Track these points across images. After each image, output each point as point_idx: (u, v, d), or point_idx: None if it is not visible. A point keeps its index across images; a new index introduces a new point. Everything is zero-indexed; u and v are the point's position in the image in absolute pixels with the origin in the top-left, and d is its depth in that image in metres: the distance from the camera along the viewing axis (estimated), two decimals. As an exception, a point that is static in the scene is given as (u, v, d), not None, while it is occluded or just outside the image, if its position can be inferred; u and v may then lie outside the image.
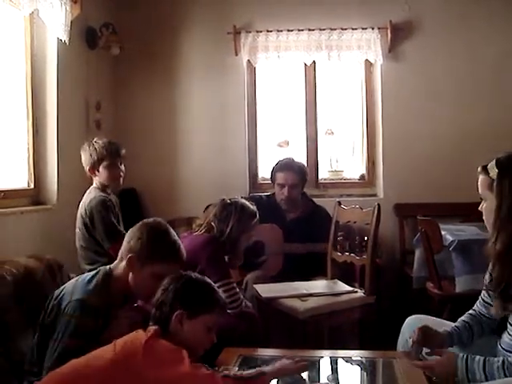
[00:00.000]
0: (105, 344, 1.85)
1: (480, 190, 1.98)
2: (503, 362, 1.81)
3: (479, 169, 1.97)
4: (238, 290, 2.68)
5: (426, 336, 2.05)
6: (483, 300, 2.13)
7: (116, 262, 2.11)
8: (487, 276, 2.07)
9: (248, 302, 3.11)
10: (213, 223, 2.75)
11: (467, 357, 1.86)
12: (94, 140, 3.11)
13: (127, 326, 1.97)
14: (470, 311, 2.18)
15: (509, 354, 1.91)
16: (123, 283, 2.06)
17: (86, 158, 3.09)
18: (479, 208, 2.02)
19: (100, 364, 1.66)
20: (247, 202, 2.83)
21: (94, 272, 2.08)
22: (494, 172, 1.89)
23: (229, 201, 2.80)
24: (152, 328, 1.77)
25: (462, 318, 2.17)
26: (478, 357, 1.85)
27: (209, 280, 1.99)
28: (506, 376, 1.78)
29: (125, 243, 2.10)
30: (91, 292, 1.97)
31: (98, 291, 1.98)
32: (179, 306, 1.81)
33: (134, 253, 2.03)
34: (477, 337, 2.13)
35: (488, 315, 2.11)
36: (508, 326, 1.95)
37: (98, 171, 3.07)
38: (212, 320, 1.86)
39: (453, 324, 2.17)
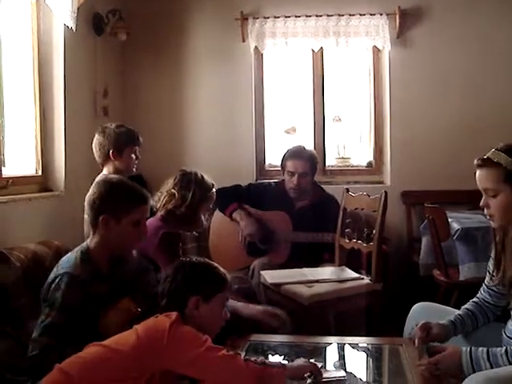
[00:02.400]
0: (103, 331, 1.91)
1: (489, 185, 1.86)
2: (506, 350, 1.81)
3: (480, 162, 1.88)
4: None
5: (428, 332, 2.05)
6: (487, 287, 2.12)
7: (90, 237, 2.13)
8: (490, 263, 2.07)
9: (255, 288, 3.15)
10: (173, 190, 2.74)
11: (471, 349, 1.86)
12: (115, 125, 3.11)
13: (124, 316, 2.00)
14: (474, 299, 2.18)
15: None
16: (104, 249, 2.09)
17: (109, 141, 3.05)
18: (482, 204, 1.91)
19: (124, 349, 1.68)
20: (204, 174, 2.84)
21: (71, 251, 2.11)
22: (505, 160, 1.80)
23: (188, 169, 2.81)
24: (173, 313, 1.78)
25: (466, 306, 2.17)
26: (481, 348, 1.85)
27: (207, 260, 2.04)
28: (510, 363, 1.78)
29: (88, 211, 2.12)
30: (73, 264, 2.01)
31: (79, 263, 2.02)
32: (193, 293, 1.84)
33: (105, 213, 2.05)
34: (481, 324, 2.13)
35: (492, 302, 2.11)
36: None
37: (121, 156, 3.07)
38: (225, 298, 1.92)
39: (457, 312, 2.17)
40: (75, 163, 3.45)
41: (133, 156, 3.12)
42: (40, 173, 3.35)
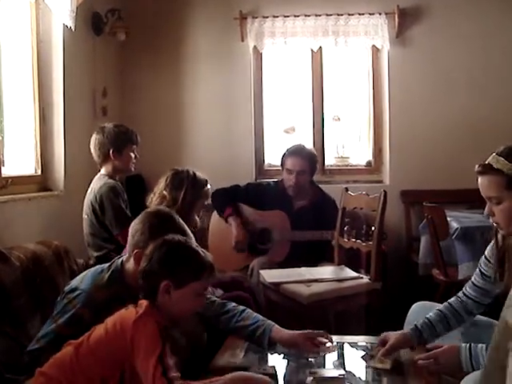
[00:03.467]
0: None
1: (492, 193, 1.79)
2: None
3: (480, 169, 1.80)
4: None
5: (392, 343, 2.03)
6: (474, 284, 2.08)
7: (127, 255, 2.06)
8: (482, 262, 2.05)
9: (254, 287, 3.15)
10: (165, 192, 2.71)
11: (470, 345, 1.85)
12: (113, 124, 3.11)
13: None
14: (459, 294, 2.12)
15: None
16: (136, 276, 1.96)
17: (109, 141, 3.05)
18: (486, 211, 1.84)
19: (95, 345, 1.68)
20: (197, 171, 2.81)
21: (107, 264, 2.06)
22: (508, 167, 1.73)
23: (180, 169, 2.79)
24: (143, 304, 1.73)
25: (446, 303, 2.12)
26: (480, 344, 1.85)
27: (192, 242, 1.92)
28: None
29: (130, 237, 2.05)
30: (98, 285, 1.95)
31: (105, 285, 1.95)
32: (165, 277, 1.73)
33: (139, 248, 1.97)
34: (456, 325, 2.10)
35: (477, 299, 2.07)
36: None
37: (121, 155, 3.07)
38: (201, 286, 1.78)
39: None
40: (75, 163, 3.45)
41: (132, 155, 3.13)
42: (39, 172, 3.35)
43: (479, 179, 1.84)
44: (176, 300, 1.73)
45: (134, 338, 1.65)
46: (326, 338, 2.09)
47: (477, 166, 1.83)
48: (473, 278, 2.10)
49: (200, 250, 1.83)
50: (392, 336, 2.05)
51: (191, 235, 2.10)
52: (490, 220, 1.88)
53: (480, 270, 2.06)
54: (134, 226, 2.05)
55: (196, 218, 2.77)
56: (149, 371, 1.61)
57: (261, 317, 2.16)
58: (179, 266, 1.75)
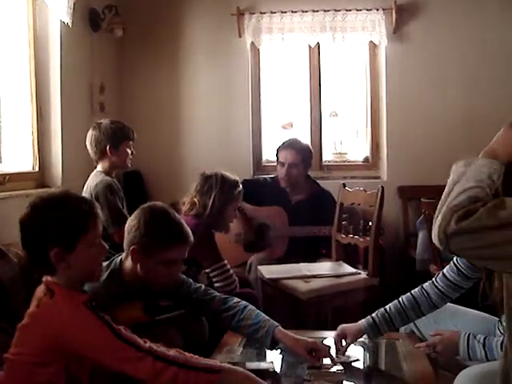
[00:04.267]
0: None
1: None
2: (502, 341, 1.83)
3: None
4: (231, 271, 2.67)
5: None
6: (447, 278, 2.05)
7: (124, 253, 2.06)
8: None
9: (252, 283, 3.16)
10: (195, 199, 2.73)
11: (468, 335, 1.90)
12: (109, 120, 3.09)
13: (130, 316, 1.98)
14: (420, 289, 2.10)
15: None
16: (135, 277, 2.02)
17: (106, 137, 3.02)
18: None
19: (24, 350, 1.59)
20: (228, 173, 2.80)
21: (105, 263, 2.03)
22: None
23: (209, 173, 2.78)
24: (54, 287, 1.60)
25: (405, 297, 2.10)
26: (479, 335, 1.89)
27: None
28: None
29: (126, 234, 2.04)
30: (96, 285, 1.89)
31: (103, 284, 1.92)
32: (51, 246, 1.57)
33: (135, 244, 1.98)
34: (412, 319, 2.12)
35: (446, 293, 2.05)
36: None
37: (118, 150, 3.07)
38: (91, 237, 1.61)
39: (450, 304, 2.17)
40: (72, 159, 3.46)
41: (128, 151, 3.11)
42: (37, 169, 3.36)
43: None
44: (75, 263, 1.58)
45: (72, 339, 1.54)
46: (330, 357, 2.00)
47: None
48: (445, 271, 2.08)
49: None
50: (348, 330, 2.07)
51: (187, 230, 2.08)
52: None
53: (457, 267, 2.04)
54: (130, 222, 2.05)
55: (228, 222, 2.80)
56: (124, 363, 1.53)
57: (263, 316, 2.10)
58: (58, 228, 1.57)
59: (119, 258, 2.08)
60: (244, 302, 2.17)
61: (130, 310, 2.03)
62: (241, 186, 2.81)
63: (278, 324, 2.06)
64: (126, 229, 2.06)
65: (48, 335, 1.54)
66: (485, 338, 1.87)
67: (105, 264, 2.05)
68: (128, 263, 2.03)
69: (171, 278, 2.05)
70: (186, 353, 1.65)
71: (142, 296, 2.07)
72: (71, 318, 1.54)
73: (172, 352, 1.62)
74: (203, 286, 2.24)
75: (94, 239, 1.62)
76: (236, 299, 2.20)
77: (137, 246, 1.97)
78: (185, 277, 2.25)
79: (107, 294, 1.94)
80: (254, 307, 2.16)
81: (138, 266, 2.00)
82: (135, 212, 2.08)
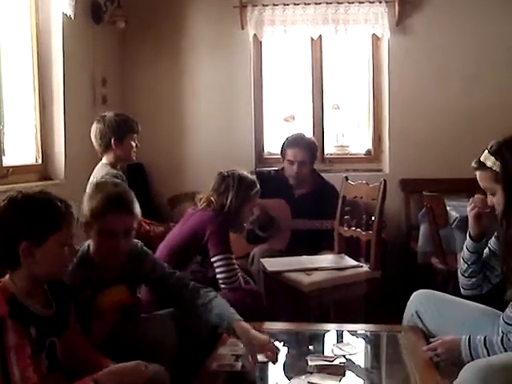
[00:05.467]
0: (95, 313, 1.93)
1: (487, 184, 1.97)
2: (502, 338, 1.87)
3: (475, 165, 1.97)
4: (236, 266, 2.67)
5: None
6: (491, 250, 2.13)
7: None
8: (492, 240, 2.11)
9: (254, 275, 3.16)
10: (212, 197, 2.74)
11: (469, 337, 1.91)
12: (113, 113, 3.08)
13: (117, 298, 2.02)
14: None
15: (510, 326, 1.95)
16: (99, 251, 2.03)
17: (110, 129, 3.01)
18: (489, 203, 2.01)
19: None
20: (245, 172, 2.81)
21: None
22: (495, 164, 1.90)
23: (226, 173, 2.78)
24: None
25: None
26: (479, 336, 1.91)
27: (41, 194, 1.78)
28: (505, 350, 1.83)
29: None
30: (68, 273, 1.89)
31: (73, 270, 1.89)
32: (20, 238, 1.54)
33: (83, 218, 1.99)
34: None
35: (494, 265, 2.12)
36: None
37: (123, 143, 3.07)
38: (63, 236, 1.60)
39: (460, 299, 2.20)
40: (75, 152, 3.46)
41: (133, 144, 3.11)
42: (40, 161, 3.37)
43: (476, 173, 2.01)
44: (41, 259, 1.57)
45: None
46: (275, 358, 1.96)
47: (473, 163, 2.00)
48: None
49: (53, 200, 1.63)
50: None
51: (128, 200, 2.04)
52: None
53: (490, 248, 2.13)
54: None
55: (244, 222, 2.81)
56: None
57: (227, 308, 2.10)
58: (31, 223, 1.56)
59: (87, 242, 2.08)
60: (214, 293, 2.17)
61: (114, 293, 2.04)
62: (258, 185, 2.81)
63: (239, 318, 2.05)
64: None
65: None
66: (485, 338, 1.89)
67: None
68: (90, 242, 2.05)
69: (114, 249, 2.01)
70: None
71: (115, 280, 2.08)
72: None
73: None
74: (178, 272, 2.25)
75: (65, 239, 1.61)
76: (209, 288, 2.21)
77: (84, 220, 2.00)
78: (155, 256, 2.30)
79: (80, 280, 1.95)
80: (223, 299, 2.15)
81: (91, 241, 2.02)
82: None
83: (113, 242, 1.98)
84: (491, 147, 1.94)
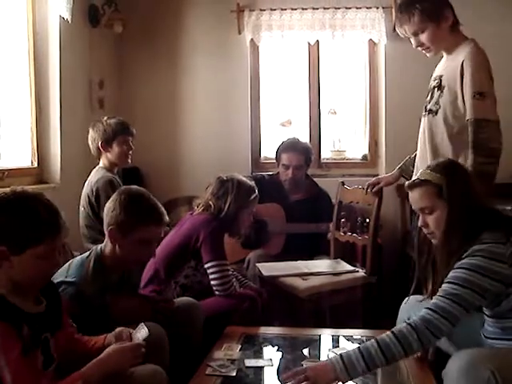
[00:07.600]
0: (115, 318, 1.91)
1: (424, 203, 1.95)
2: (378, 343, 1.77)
3: (409, 184, 1.99)
4: (230, 273, 2.67)
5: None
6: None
7: (105, 240, 2.09)
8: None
9: (250, 280, 3.16)
10: (210, 201, 2.74)
11: (341, 356, 1.77)
12: (106, 117, 3.13)
13: (131, 315, 2.00)
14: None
15: (493, 340, 1.90)
16: (115, 259, 2.05)
17: (98, 134, 3.06)
18: (420, 223, 1.98)
19: None
20: (244, 178, 2.82)
21: (85, 255, 2.07)
22: (440, 179, 1.90)
23: (225, 178, 2.79)
24: None
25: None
26: (350, 350, 1.79)
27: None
28: (403, 348, 1.74)
29: (104, 218, 2.08)
30: (84, 274, 1.97)
31: (91, 279, 1.96)
32: (1, 242, 1.51)
33: (112, 225, 2.02)
34: None
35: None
36: (485, 316, 1.96)
37: (111, 147, 3.07)
38: (44, 250, 1.55)
39: None
40: (71, 155, 3.46)
41: (124, 147, 3.10)
42: (36, 165, 3.36)
43: (410, 194, 2.01)
44: (18, 268, 1.53)
45: None
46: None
47: (406, 184, 2.02)
48: None
49: (40, 204, 1.58)
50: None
51: (163, 211, 2.09)
52: (425, 231, 2.00)
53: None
54: (107, 205, 2.09)
55: (241, 227, 2.82)
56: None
57: None
58: (13, 229, 1.52)
59: (99, 246, 2.10)
60: None
61: (131, 303, 2.07)
62: (256, 191, 2.81)
63: None
64: (104, 213, 2.09)
65: None
66: (359, 348, 1.77)
67: (85, 255, 2.07)
68: (108, 248, 2.06)
69: (147, 257, 2.13)
70: None
71: (121, 284, 2.11)
72: None
73: None
74: None
75: (45, 252, 1.55)
76: None
77: (114, 227, 2.02)
78: None
79: (99, 287, 1.97)
80: None
81: (117, 246, 2.03)
82: (112, 196, 2.11)
83: (147, 250, 2.06)
84: (429, 165, 1.98)
